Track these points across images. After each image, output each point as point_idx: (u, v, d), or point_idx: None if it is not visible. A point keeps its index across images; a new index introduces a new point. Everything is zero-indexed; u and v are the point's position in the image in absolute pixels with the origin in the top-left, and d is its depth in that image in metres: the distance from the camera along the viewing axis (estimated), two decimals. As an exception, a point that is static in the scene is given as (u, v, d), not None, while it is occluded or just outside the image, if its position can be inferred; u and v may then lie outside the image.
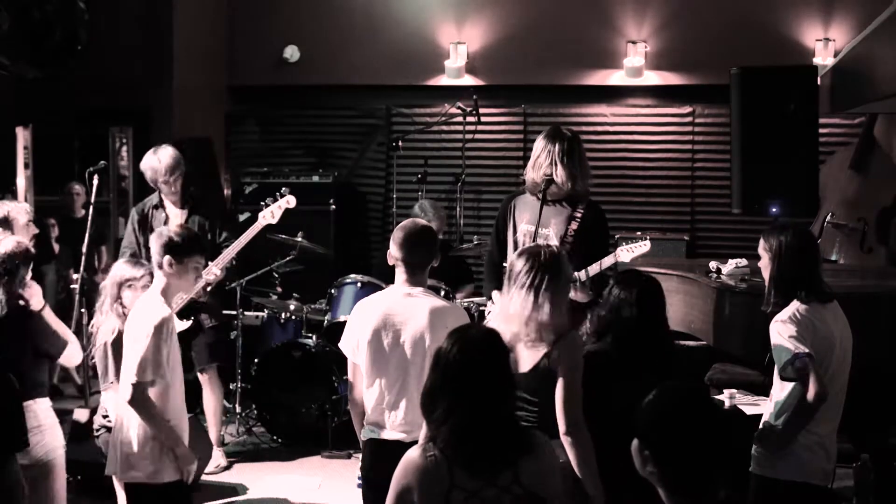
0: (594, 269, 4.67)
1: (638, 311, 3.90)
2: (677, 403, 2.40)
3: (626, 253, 4.70)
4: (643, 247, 4.70)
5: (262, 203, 5.86)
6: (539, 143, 4.82)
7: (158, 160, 5.91)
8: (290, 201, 5.80)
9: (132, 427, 3.95)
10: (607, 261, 4.70)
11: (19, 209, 5.33)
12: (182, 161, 5.97)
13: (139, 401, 3.87)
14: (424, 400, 2.87)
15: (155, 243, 4.07)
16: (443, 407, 2.81)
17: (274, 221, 5.81)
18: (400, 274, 3.87)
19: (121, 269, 4.59)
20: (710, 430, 2.35)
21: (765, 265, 3.95)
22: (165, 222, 5.92)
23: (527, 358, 3.57)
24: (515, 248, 4.80)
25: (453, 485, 2.76)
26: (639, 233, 7.89)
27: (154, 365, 3.86)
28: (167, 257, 4.01)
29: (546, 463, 2.86)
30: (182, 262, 4.04)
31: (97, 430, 4.61)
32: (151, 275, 4.40)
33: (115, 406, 4.20)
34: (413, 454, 2.84)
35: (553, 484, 2.88)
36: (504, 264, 4.76)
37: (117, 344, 4.39)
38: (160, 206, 6.02)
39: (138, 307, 4.07)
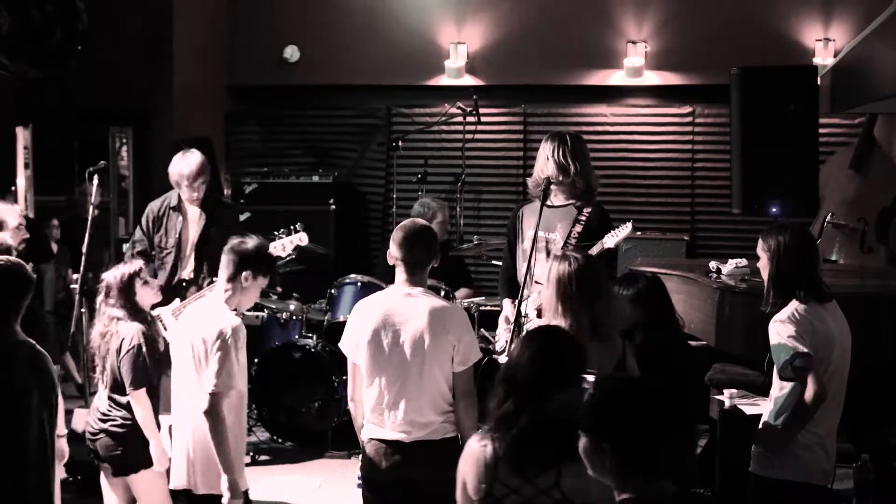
0: None
1: (642, 309, 3.96)
2: (618, 389, 2.54)
3: (611, 238, 4.69)
4: (625, 229, 4.68)
5: (275, 233, 5.71)
6: (541, 147, 4.85)
7: (187, 164, 5.73)
8: (302, 238, 5.62)
9: (204, 437, 3.92)
10: (593, 250, 4.69)
11: (10, 211, 5.30)
12: (208, 168, 5.85)
13: (215, 411, 3.86)
14: (494, 392, 2.97)
15: (233, 252, 4.01)
16: (503, 402, 2.91)
17: (284, 255, 5.67)
18: (400, 274, 3.87)
19: (121, 268, 4.52)
20: (648, 418, 2.43)
21: (763, 265, 3.96)
22: (182, 226, 5.83)
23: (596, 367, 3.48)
24: (524, 257, 4.80)
25: (497, 478, 2.85)
26: (638, 233, 7.90)
27: (230, 375, 3.89)
28: (248, 271, 3.99)
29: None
30: (256, 279, 4.04)
31: (96, 434, 4.50)
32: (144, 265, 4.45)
33: (189, 416, 4.04)
34: (472, 443, 2.97)
35: (595, 492, 2.84)
36: (520, 275, 4.80)
37: (151, 350, 4.36)
38: (178, 208, 5.84)
39: (204, 316, 3.98)
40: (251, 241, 4.09)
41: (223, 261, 4.08)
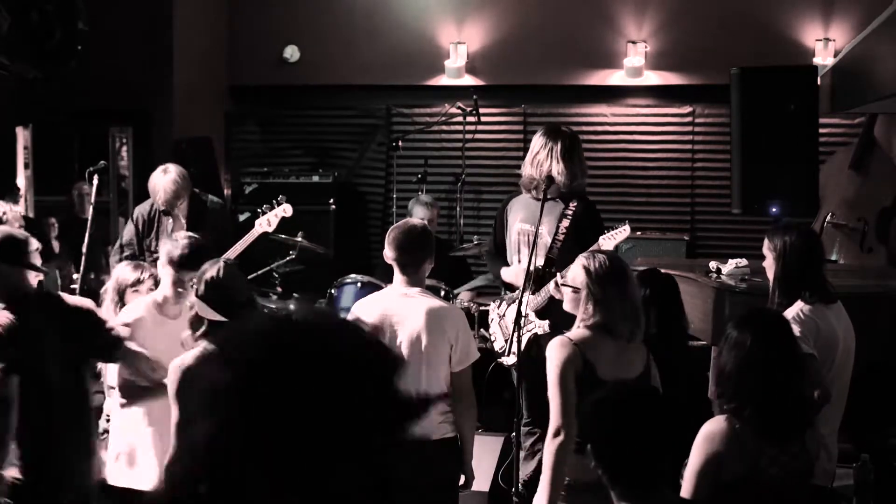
0: None
1: (655, 309, 3.94)
2: (617, 402, 2.47)
3: (609, 240, 4.67)
4: (623, 232, 4.67)
5: (259, 210, 5.73)
6: (538, 141, 4.76)
7: (164, 190, 5.64)
8: (286, 209, 5.63)
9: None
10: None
11: (14, 213, 5.34)
12: (187, 185, 5.74)
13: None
14: (721, 380, 3.08)
15: (170, 265, 4.04)
16: (745, 385, 2.99)
17: (270, 230, 5.67)
18: (397, 274, 3.86)
19: (123, 272, 4.53)
20: (649, 428, 2.41)
21: (769, 265, 3.95)
22: (174, 228, 5.78)
23: (632, 362, 3.43)
24: (514, 249, 4.78)
25: (761, 451, 2.94)
26: (638, 233, 7.89)
27: None
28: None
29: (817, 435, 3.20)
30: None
31: (101, 435, 4.51)
32: (153, 276, 4.39)
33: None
34: (720, 426, 2.99)
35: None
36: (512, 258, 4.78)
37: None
38: (167, 211, 5.77)
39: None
40: (176, 251, 4.04)
41: (161, 273, 4.12)
